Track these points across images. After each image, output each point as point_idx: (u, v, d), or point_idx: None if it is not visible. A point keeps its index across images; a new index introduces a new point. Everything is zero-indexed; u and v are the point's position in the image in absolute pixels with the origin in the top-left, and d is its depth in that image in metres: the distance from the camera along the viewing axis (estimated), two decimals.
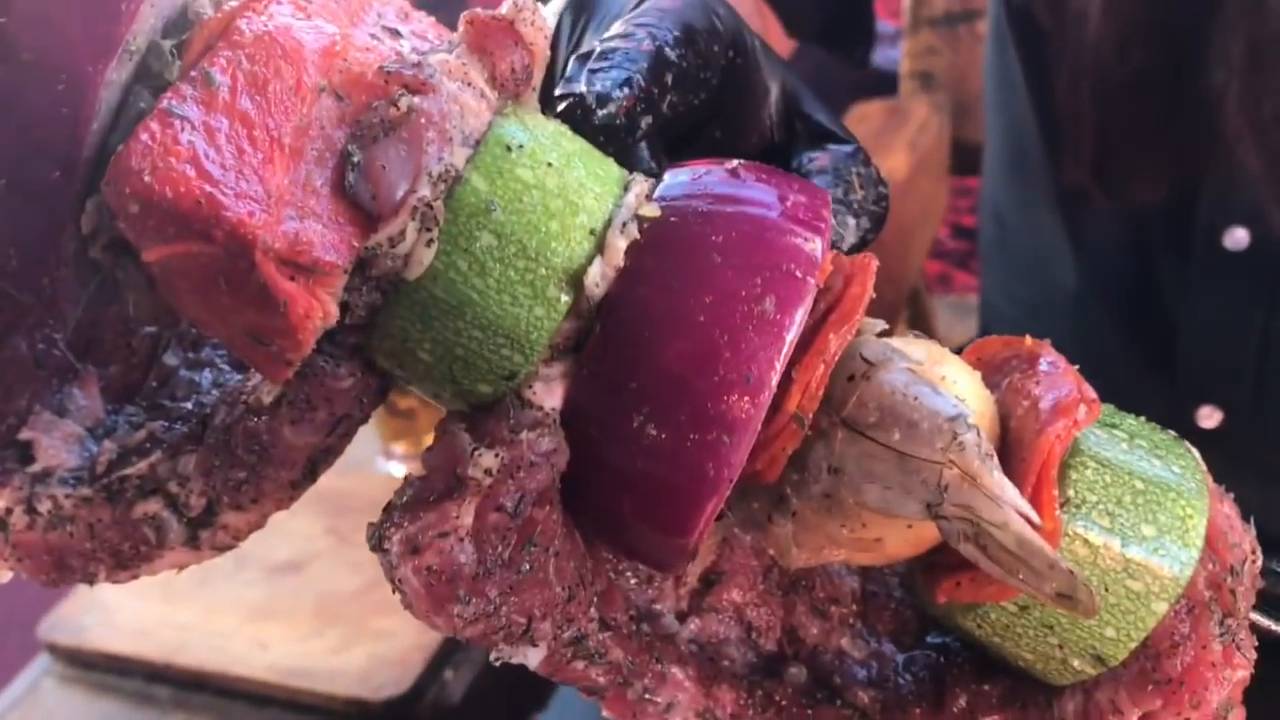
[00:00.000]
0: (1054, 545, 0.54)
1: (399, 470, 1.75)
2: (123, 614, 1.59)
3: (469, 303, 0.53)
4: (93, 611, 1.60)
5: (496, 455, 0.53)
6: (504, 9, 0.56)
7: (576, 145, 0.57)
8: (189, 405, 0.60)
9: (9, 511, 0.57)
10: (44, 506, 0.57)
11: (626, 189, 0.56)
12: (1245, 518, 0.61)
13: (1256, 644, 0.59)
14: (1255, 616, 0.60)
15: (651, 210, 0.55)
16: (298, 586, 1.61)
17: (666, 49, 0.61)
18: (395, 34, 0.57)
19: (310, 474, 0.58)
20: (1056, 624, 0.57)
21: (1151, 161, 1.25)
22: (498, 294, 0.53)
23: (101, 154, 0.52)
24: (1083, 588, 0.51)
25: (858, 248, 0.65)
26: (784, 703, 0.61)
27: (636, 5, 0.65)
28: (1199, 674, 0.57)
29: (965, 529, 0.52)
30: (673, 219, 0.55)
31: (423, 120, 0.53)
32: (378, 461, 1.76)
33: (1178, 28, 1.19)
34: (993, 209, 1.51)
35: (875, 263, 0.57)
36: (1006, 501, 0.52)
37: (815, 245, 0.55)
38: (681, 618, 0.61)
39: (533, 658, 0.56)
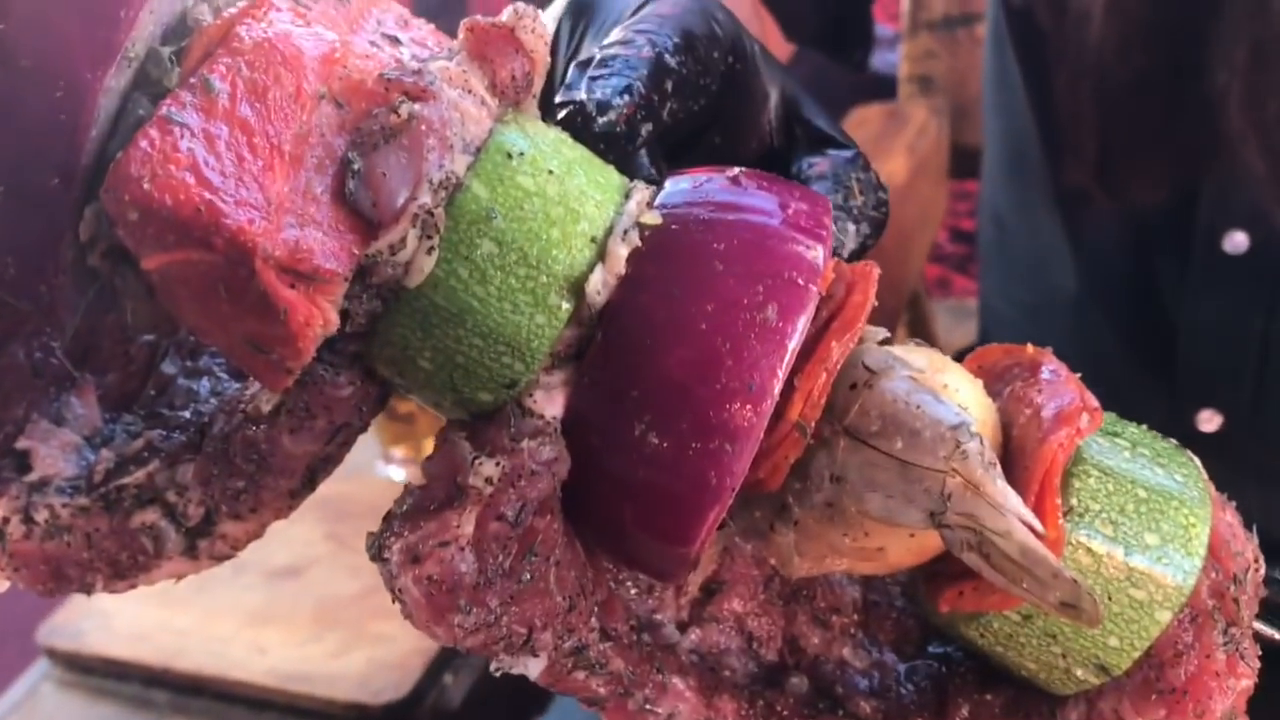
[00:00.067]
0: (1057, 554, 0.53)
1: (398, 474, 1.75)
2: (121, 619, 1.59)
3: (470, 310, 0.53)
4: (91, 616, 1.60)
5: (497, 464, 0.53)
6: (504, 16, 0.56)
7: (577, 153, 0.57)
8: (187, 414, 0.60)
9: (6, 521, 0.57)
10: (41, 516, 0.57)
11: (628, 196, 0.56)
12: (1246, 523, 0.61)
13: (1260, 653, 0.59)
14: (1259, 625, 0.59)
15: (653, 218, 0.55)
16: (297, 591, 1.61)
17: (666, 55, 0.61)
18: (395, 41, 0.57)
19: (309, 483, 0.58)
20: (1060, 633, 0.57)
21: (1153, 162, 1.25)
22: (499, 302, 0.53)
23: (100, 161, 0.52)
24: (1087, 597, 0.51)
25: (858, 254, 0.65)
26: (785, 713, 0.60)
27: (636, 11, 0.64)
28: (1203, 683, 0.57)
29: (968, 538, 0.52)
30: (674, 227, 0.55)
31: (423, 127, 0.52)
32: (377, 466, 1.76)
33: (1180, 28, 1.18)
34: (992, 212, 1.50)
35: (877, 270, 0.57)
36: (1010, 510, 0.52)
37: (817, 253, 0.55)
38: (682, 627, 0.61)
39: (533, 668, 0.56)
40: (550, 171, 0.55)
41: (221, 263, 0.49)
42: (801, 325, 0.53)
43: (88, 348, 0.60)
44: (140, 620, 1.59)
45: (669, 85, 0.60)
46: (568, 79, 0.61)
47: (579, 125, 0.58)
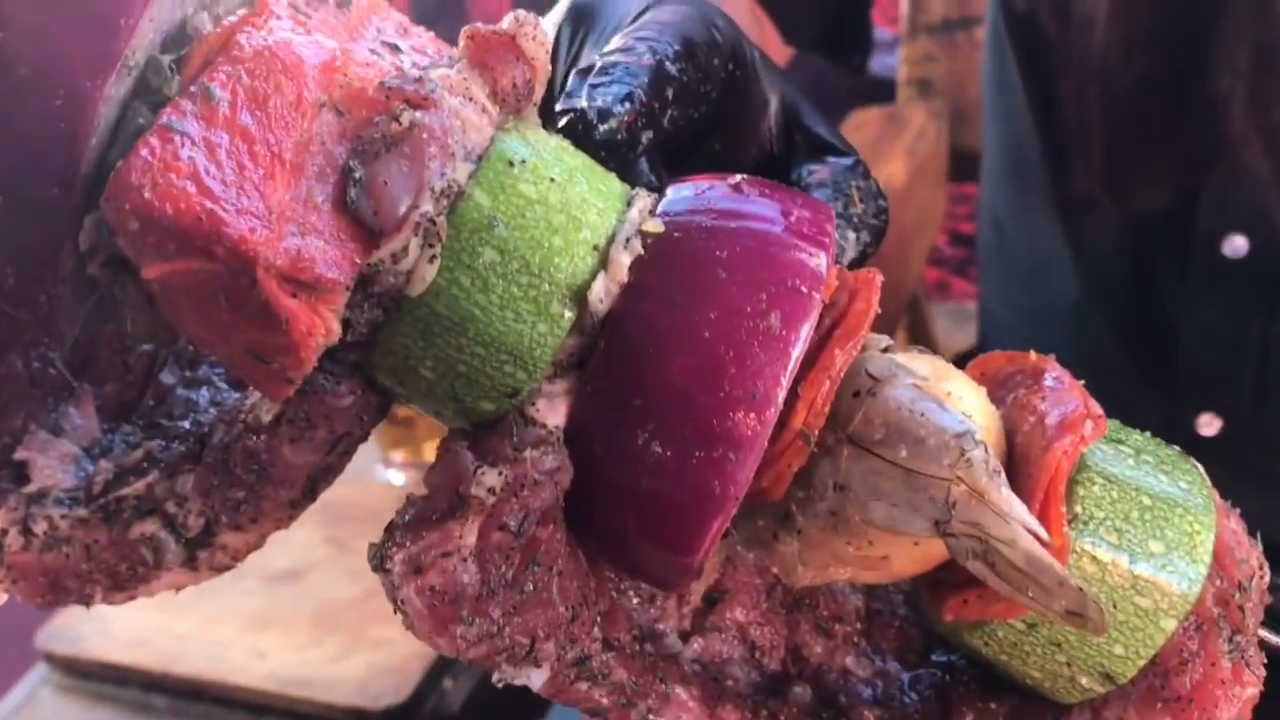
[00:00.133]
0: (1062, 562, 0.53)
1: (398, 478, 1.74)
2: (120, 623, 1.59)
3: (471, 319, 0.53)
4: (90, 621, 1.59)
5: (500, 474, 0.53)
6: (505, 24, 0.56)
7: (578, 160, 0.56)
8: (186, 424, 0.60)
9: (4, 532, 0.57)
10: (40, 527, 0.57)
11: (629, 204, 0.56)
12: (1248, 530, 0.61)
13: (1265, 660, 0.59)
14: (1263, 633, 0.59)
15: (655, 225, 0.55)
16: (296, 595, 1.61)
17: (667, 63, 0.60)
18: (395, 49, 0.57)
19: (310, 493, 0.58)
20: (1064, 641, 0.57)
21: (1158, 166, 1.25)
22: (500, 310, 0.53)
23: (100, 170, 0.51)
24: (1093, 605, 0.51)
25: (858, 262, 0.65)
26: None
27: (635, 18, 0.64)
28: (1208, 691, 0.57)
29: (973, 546, 0.52)
30: (676, 234, 0.55)
31: (425, 135, 0.52)
32: (376, 469, 1.75)
33: (1184, 32, 1.18)
34: (991, 216, 1.50)
35: (880, 278, 0.57)
36: (1015, 518, 0.52)
37: (820, 260, 0.55)
38: (685, 637, 0.61)
39: (536, 679, 0.55)
40: (552, 179, 0.54)
41: (223, 272, 0.49)
42: (805, 333, 0.53)
43: (86, 357, 0.59)
44: (139, 625, 1.58)
45: (670, 93, 0.60)
46: (569, 86, 0.61)
47: (580, 133, 0.58)
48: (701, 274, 0.53)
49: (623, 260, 0.54)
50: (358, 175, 0.51)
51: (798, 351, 0.53)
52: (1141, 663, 0.57)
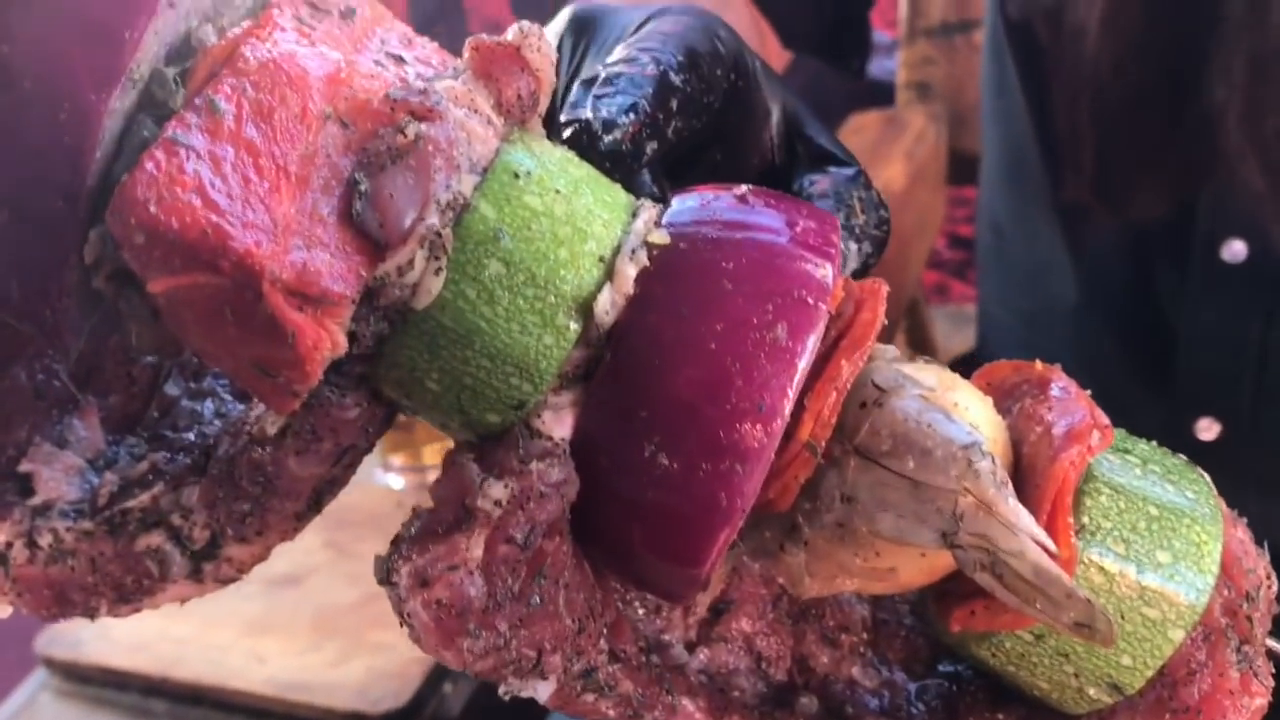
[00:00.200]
0: (1070, 573, 0.53)
1: (397, 483, 1.74)
2: (119, 628, 1.59)
3: (477, 331, 0.53)
4: (89, 625, 1.59)
5: (506, 486, 0.53)
6: (509, 35, 0.55)
7: (583, 171, 0.56)
8: (191, 436, 0.59)
9: (9, 545, 0.57)
10: (45, 540, 0.57)
11: (635, 215, 0.56)
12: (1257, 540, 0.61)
13: (1274, 670, 0.59)
14: (1271, 643, 0.59)
15: (661, 237, 0.55)
16: (296, 599, 1.61)
17: (671, 74, 0.60)
18: (399, 60, 0.57)
19: (315, 505, 0.57)
20: (1072, 652, 0.57)
21: (1152, 178, 1.24)
22: (506, 322, 0.53)
23: (105, 183, 0.51)
24: (1101, 617, 0.51)
25: (860, 273, 0.65)
26: None
27: (638, 28, 0.64)
28: (1216, 702, 0.57)
29: (981, 558, 0.52)
30: (682, 245, 0.55)
31: (430, 148, 0.52)
32: (376, 474, 1.75)
33: (1177, 44, 1.18)
34: (990, 219, 1.50)
35: (886, 288, 0.57)
36: (1022, 530, 0.51)
37: (826, 271, 0.54)
38: (690, 648, 0.61)
39: (542, 691, 0.55)
40: (557, 191, 0.54)
41: (228, 286, 0.49)
42: (811, 344, 0.53)
43: (90, 369, 0.59)
44: (139, 629, 1.58)
45: (674, 103, 0.60)
46: (573, 97, 0.61)
47: (585, 143, 0.58)
48: (707, 286, 0.53)
49: (628, 272, 0.54)
50: (363, 188, 0.51)
51: (804, 363, 0.52)
52: (1149, 673, 0.57)
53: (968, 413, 0.55)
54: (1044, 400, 0.58)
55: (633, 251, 0.54)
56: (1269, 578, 0.59)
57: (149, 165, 0.49)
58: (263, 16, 0.54)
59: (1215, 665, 0.57)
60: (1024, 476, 0.56)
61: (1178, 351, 1.29)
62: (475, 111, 0.54)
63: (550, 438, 0.54)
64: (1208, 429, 1.29)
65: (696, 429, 0.52)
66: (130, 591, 0.58)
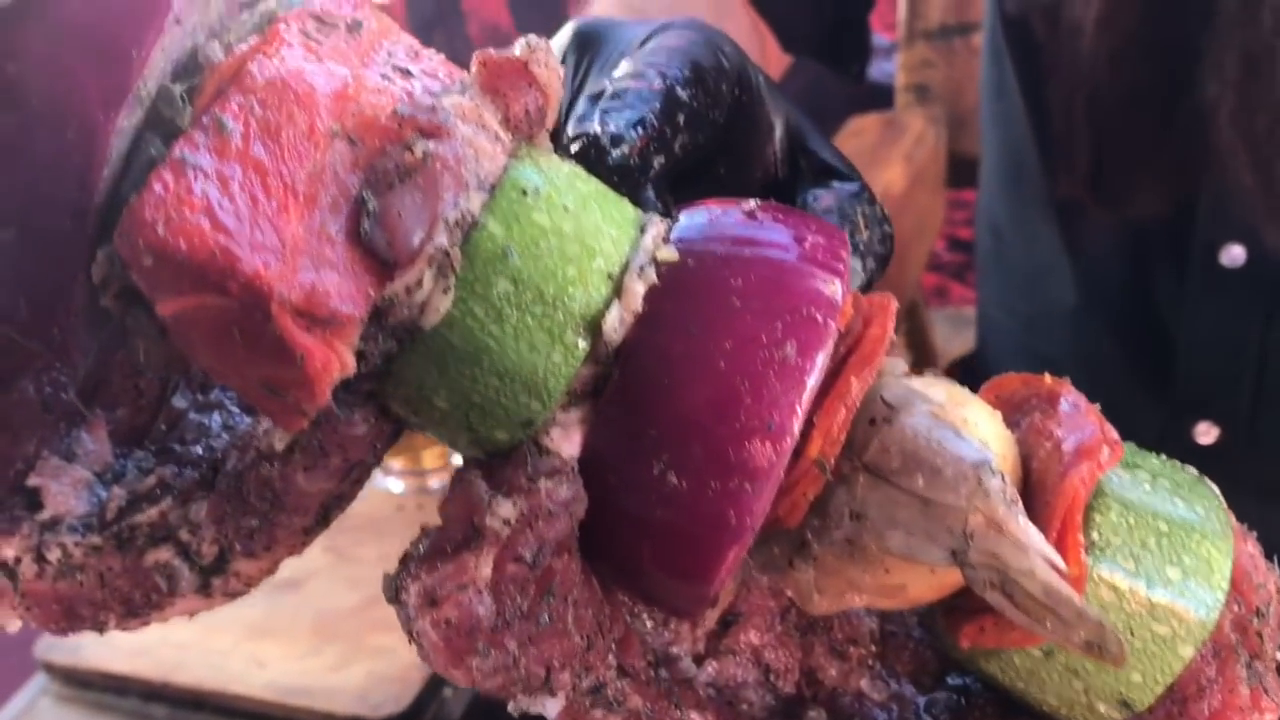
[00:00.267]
0: (1080, 591, 0.53)
1: (397, 487, 1.74)
2: (119, 633, 1.58)
3: (486, 350, 0.53)
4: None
5: (514, 504, 0.52)
6: (516, 50, 0.55)
7: (591, 187, 0.56)
8: (199, 449, 0.59)
9: (18, 560, 0.57)
10: (53, 555, 0.56)
11: (643, 230, 0.56)
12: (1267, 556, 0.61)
13: None
14: None
15: (669, 253, 0.55)
16: (296, 604, 1.61)
17: (678, 88, 0.60)
18: (406, 74, 0.56)
19: (323, 520, 0.57)
20: (1082, 669, 0.57)
21: (1147, 175, 1.25)
22: (515, 341, 0.53)
23: (113, 201, 0.51)
24: (1112, 637, 0.51)
25: (864, 288, 0.65)
26: None
27: (642, 43, 0.64)
28: (1227, 718, 0.57)
29: (992, 577, 0.52)
30: (690, 262, 0.55)
31: (438, 166, 0.52)
32: (375, 477, 1.75)
33: (1171, 41, 1.18)
34: (989, 221, 1.50)
35: (895, 304, 0.57)
36: (1033, 549, 0.51)
37: (835, 287, 0.54)
38: (699, 660, 0.61)
39: (551, 708, 0.55)
40: (565, 207, 0.54)
41: (237, 308, 0.49)
42: (821, 362, 0.53)
43: (98, 382, 0.59)
44: (139, 634, 1.56)
45: (681, 118, 0.60)
46: (580, 111, 0.60)
47: (592, 158, 0.58)
48: (716, 303, 0.53)
49: (637, 289, 0.54)
50: (371, 207, 0.51)
51: (814, 381, 0.52)
52: (1159, 690, 0.57)
53: (977, 429, 0.55)
54: (1053, 415, 0.57)
55: (641, 268, 0.54)
56: (1278, 593, 0.59)
57: (157, 187, 0.48)
58: (269, 32, 0.53)
59: (1225, 681, 0.57)
60: (1033, 492, 0.56)
61: (1176, 356, 1.30)
62: (483, 127, 0.54)
63: (559, 455, 0.53)
64: (1206, 433, 1.30)
65: (705, 447, 0.52)
66: (138, 606, 0.58)
